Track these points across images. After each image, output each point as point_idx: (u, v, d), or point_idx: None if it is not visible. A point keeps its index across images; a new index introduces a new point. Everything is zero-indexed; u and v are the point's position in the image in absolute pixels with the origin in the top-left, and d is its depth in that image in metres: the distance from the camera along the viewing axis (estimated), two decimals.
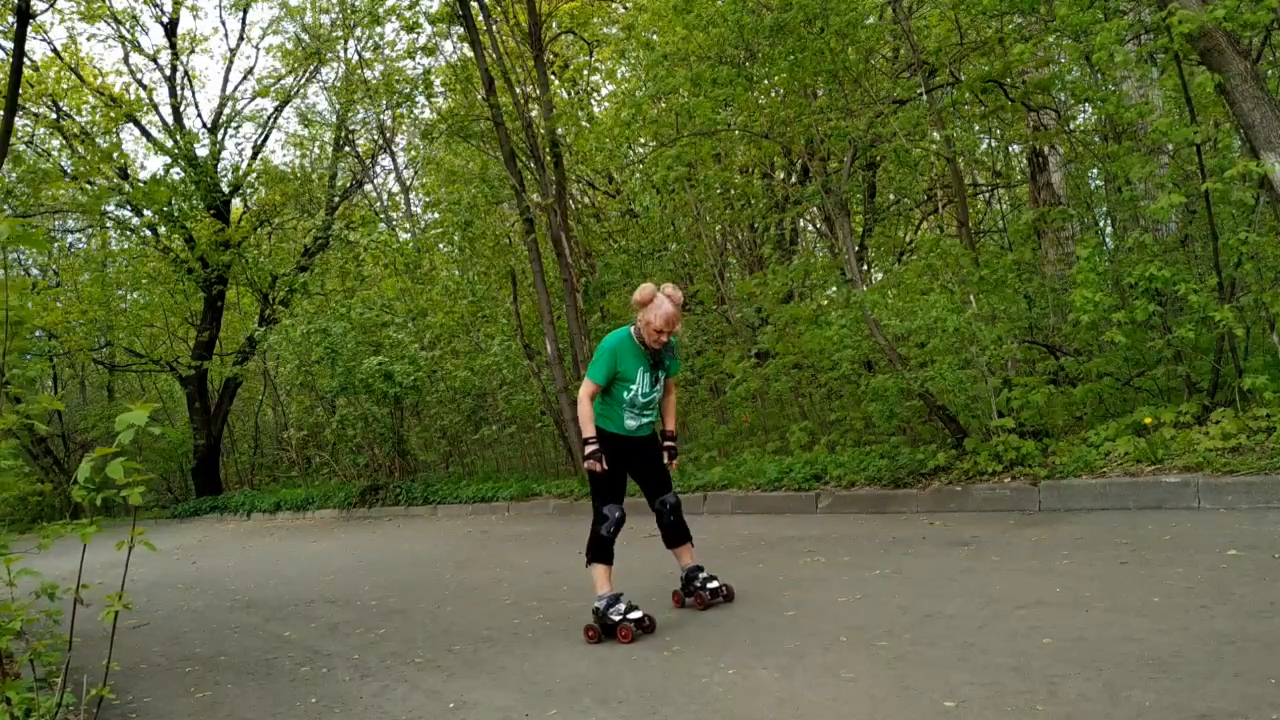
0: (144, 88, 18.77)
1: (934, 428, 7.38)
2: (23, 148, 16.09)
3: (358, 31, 15.54)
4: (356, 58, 17.12)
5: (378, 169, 20.28)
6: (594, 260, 11.35)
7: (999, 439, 6.24)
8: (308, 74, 18.73)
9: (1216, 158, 5.76)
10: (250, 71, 25.25)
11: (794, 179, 12.09)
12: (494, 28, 11.02)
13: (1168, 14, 5.31)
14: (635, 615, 4.16)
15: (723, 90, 8.15)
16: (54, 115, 17.60)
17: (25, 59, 11.26)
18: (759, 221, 11.92)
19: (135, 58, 23.02)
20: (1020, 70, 7.79)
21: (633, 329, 4.33)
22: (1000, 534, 5.22)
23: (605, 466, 4.24)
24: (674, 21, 8.86)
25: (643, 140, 12.02)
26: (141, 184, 17.73)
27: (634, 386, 4.30)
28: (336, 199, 19.22)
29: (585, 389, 4.28)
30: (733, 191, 12.33)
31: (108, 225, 19.57)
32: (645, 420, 4.44)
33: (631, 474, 4.51)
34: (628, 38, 9.94)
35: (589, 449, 4.22)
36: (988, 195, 12.57)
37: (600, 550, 4.30)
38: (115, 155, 17.82)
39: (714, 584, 4.50)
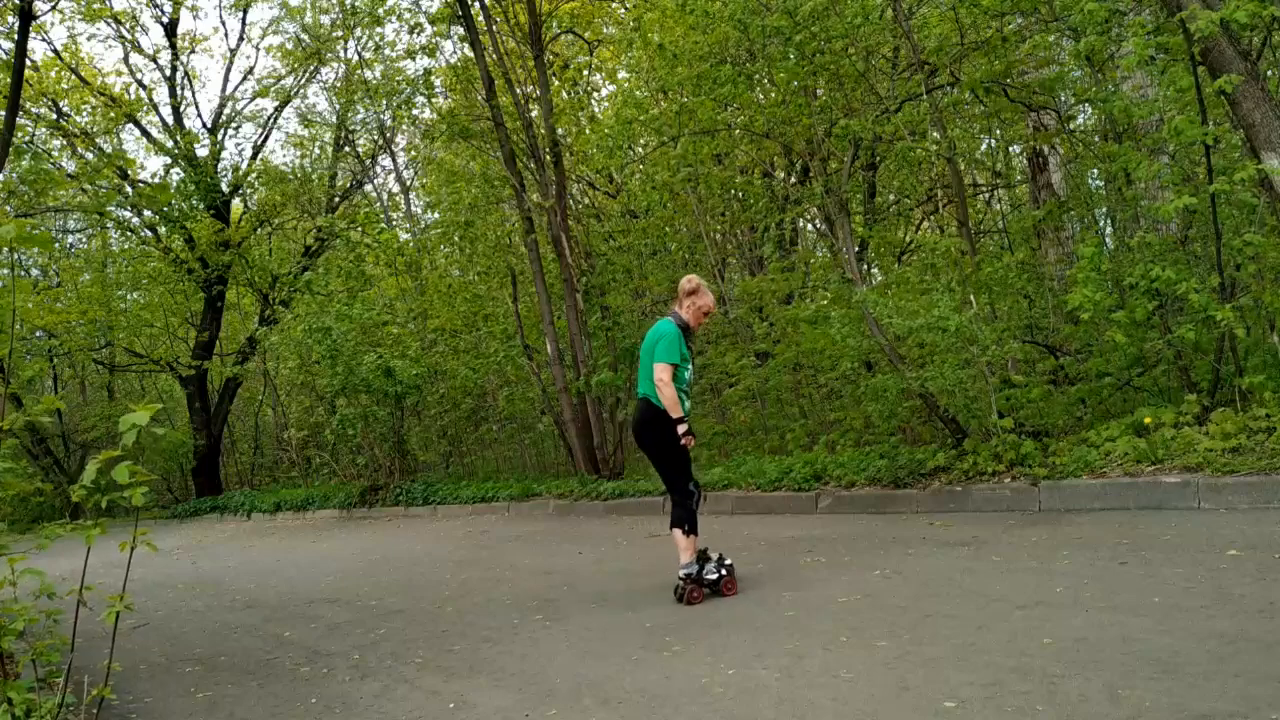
0: (144, 88, 18.74)
1: (934, 428, 7.37)
2: (24, 148, 16.05)
3: (357, 32, 15.54)
4: (356, 58, 17.12)
5: (378, 169, 20.27)
6: (594, 260, 11.34)
7: (999, 439, 6.24)
8: (308, 74, 18.70)
9: (1220, 158, 5.75)
10: (250, 71, 25.18)
11: (794, 179, 12.08)
12: (494, 28, 11.02)
13: (1188, 15, 5.28)
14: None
15: (724, 90, 8.14)
16: (54, 115, 17.58)
17: (26, 59, 11.24)
18: (759, 222, 11.91)
19: (135, 58, 22.94)
20: (1020, 70, 7.78)
21: (673, 318, 4.64)
22: (1000, 534, 5.22)
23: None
24: (679, 21, 8.86)
25: (643, 141, 12.01)
26: (143, 184, 17.70)
27: (690, 367, 4.67)
28: (336, 199, 19.20)
29: (665, 372, 4.47)
30: (733, 192, 12.31)
31: (108, 225, 19.55)
32: (690, 405, 4.74)
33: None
34: (637, 27, 9.94)
35: (683, 427, 4.50)
36: (988, 195, 12.57)
37: (694, 518, 4.61)
38: (120, 163, 17.79)
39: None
